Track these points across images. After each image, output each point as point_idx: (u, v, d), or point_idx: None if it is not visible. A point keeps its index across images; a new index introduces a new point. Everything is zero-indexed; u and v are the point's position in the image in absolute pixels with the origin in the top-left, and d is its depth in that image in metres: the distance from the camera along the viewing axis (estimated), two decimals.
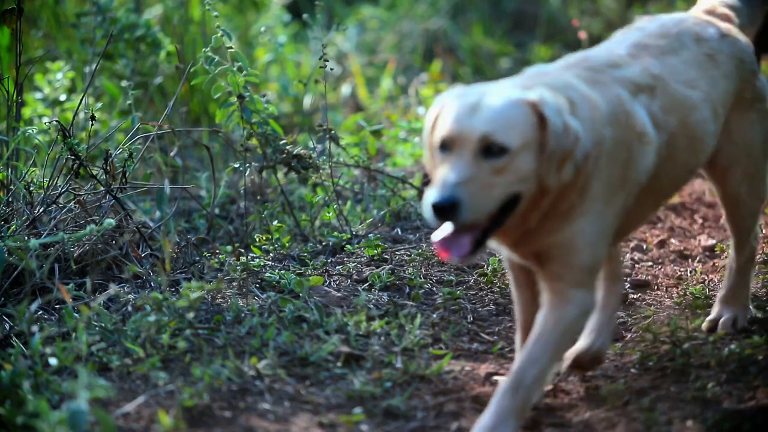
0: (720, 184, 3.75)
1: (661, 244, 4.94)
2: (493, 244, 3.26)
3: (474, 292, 4.26)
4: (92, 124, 4.52)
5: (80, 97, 4.69)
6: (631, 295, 4.37)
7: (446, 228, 3.03)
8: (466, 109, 3.05)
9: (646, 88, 3.33)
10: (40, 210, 4.22)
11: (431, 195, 2.96)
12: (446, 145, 3.03)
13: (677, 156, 3.41)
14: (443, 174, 2.99)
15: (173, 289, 4.06)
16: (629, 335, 4.01)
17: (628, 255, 4.78)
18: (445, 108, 3.10)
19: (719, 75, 3.52)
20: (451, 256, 3.03)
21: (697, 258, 4.79)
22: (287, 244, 4.53)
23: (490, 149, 2.99)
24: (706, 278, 4.50)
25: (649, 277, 4.56)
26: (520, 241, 3.21)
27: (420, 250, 4.50)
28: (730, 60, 3.57)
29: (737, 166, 3.68)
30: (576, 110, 3.11)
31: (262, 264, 4.27)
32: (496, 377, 3.67)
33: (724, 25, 3.66)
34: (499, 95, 3.07)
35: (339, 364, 3.71)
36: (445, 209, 2.93)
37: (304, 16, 5.42)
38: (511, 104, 3.05)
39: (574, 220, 3.16)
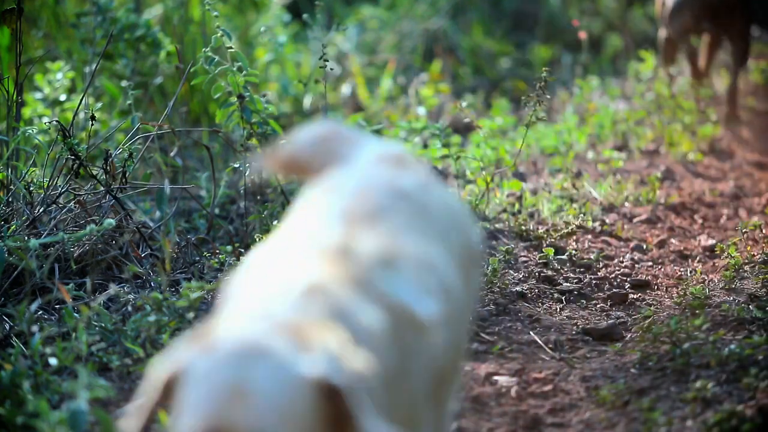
0: None
1: (661, 244, 4.93)
2: None
3: None
4: (92, 124, 4.51)
5: (80, 97, 4.69)
6: (631, 295, 4.37)
7: None
8: (225, 396, 2.07)
9: (396, 259, 2.46)
10: (40, 210, 4.21)
11: None
12: None
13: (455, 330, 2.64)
14: None
15: (173, 289, 4.06)
16: (629, 335, 4.01)
17: (628, 255, 4.77)
18: (192, 385, 2.09)
19: (440, 230, 2.61)
20: None
21: (697, 258, 4.78)
22: None
23: None
24: (706, 278, 4.50)
25: (649, 277, 4.56)
26: None
27: None
28: (443, 211, 2.67)
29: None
30: (359, 341, 2.26)
31: None
32: (496, 377, 3.67)
33: (415, 172, 2.71)
34: (267, 373, 2.11)
35: None
36: None
37: (304, 16, 5.42)
38: (286, 386, 2.12)
39: None
